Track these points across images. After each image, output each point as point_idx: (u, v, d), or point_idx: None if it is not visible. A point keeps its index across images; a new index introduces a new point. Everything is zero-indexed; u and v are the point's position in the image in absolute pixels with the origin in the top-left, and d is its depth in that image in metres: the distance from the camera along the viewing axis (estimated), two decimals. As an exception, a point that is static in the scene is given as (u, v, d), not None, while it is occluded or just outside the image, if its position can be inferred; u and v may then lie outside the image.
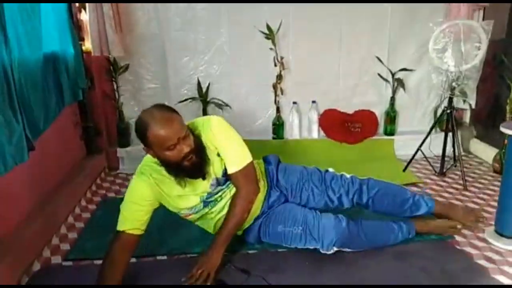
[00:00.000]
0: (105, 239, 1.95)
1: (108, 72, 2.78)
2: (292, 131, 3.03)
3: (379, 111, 3.08)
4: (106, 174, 2.81)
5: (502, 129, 1.77)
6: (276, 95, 2.91)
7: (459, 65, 2.38)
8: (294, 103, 2.97)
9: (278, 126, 2.98)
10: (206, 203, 1.75)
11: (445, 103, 2.55)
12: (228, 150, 1.70)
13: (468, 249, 1.85)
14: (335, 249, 1.75)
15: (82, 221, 2.19)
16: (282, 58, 2.81)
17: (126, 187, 2.52)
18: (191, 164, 1.56)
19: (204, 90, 2.89)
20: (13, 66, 1.68)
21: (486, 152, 2.91)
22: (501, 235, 1.87)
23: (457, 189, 2.48)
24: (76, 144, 2.67)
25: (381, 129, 3.11)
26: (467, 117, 3.13)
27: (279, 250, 1.85)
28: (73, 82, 2.44)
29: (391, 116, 3.02)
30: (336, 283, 1.63)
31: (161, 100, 2.90)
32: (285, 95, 2.97)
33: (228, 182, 1.77)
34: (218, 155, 1.71)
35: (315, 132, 3.04)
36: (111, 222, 2.14)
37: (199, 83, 2.88)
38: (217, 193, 1.75)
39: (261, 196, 1.84)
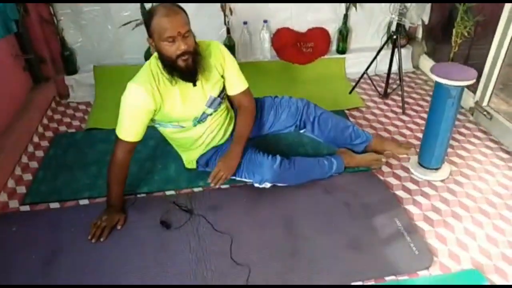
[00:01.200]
0: (60, 180, 2.11)
1: (42, -5, 2.58)
2: (245, 52, 2.99)
3: (333, 29, 3.03)
4: (57, 104, 2.80)
5: (431, 75, 1.83)
6: (225, 15, 2.80)
7: (407, -10, 2.31)
8: (245, 23, 2.87)
9: (229, 47, 2.91)
10: (196, 121, 1.85)
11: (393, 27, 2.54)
12: (235, 72, 1.89)
13: (391, 179, 2.06)
14: (268, 184, 1.92)
15: (36, 160, 2.27)
16: (229, -24, 2.64)
17: (78, 118, 2.64)
18: (185, 65, 1.62)
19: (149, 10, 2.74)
20: None
21: (432, 70, 2.98)
22: (421, 165, 2.07)
23: (396, 112, 2.62)
24: (20, 76, 2.60)
25: (334, 47, 3.10)
26: (420, 32, 3.12)
27: (222, 187, 2.03)
28: (3, 15, 2.29)
29: (343, 34, 2.99)
30: (270, 216, 1.85)
31: (103, 24, 2.80)
32: (236, 15, 2.86)
33: (220, 106, 1.89)
34: (222, 77, 1.85)
35: (267, 53, 3.01)
36: (64, 161, 2.28)
37: (142, 5, 2.71)
38: (209, 114, 1.87)
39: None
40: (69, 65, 2.82)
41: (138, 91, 1.64)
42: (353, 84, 2.85)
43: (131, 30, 2.72)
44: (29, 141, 2.38)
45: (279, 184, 1.95)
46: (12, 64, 2.51)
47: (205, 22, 2.84)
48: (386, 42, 2.62)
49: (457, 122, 2.46)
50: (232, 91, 1.92)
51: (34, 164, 2.24)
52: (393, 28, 2.67)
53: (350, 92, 2.83)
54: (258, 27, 2.92)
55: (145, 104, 1.66)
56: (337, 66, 3.06)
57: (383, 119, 2.56)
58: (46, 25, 2.70)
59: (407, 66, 3.12)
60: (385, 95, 2.77)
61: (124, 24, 2.73)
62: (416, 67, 3.15)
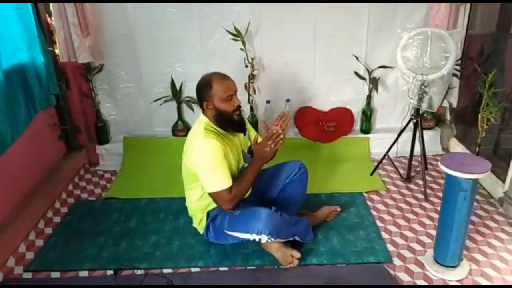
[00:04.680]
0: (68, 248, 2.15)
1: (84, 73, 2.84)
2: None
3: (356, 109, 3.02)
4: (85, 171, 2.96)
5: (441, 166, 1.73)
6: (249, 94, 2.90)
7: (426, 75, 2.28)
8: (268, 102, 2.95)
9: (252, 124, 2.98)
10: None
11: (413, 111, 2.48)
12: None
13: (402, 275, 1.89)
14: (265, 237, 1.87)
15: (51, 226, 2.36)
16: (252, 59, 2.78)
17: (101, 186, 2.75)
18: (239, 118, 1.96)
19: (178, 88, 2.92)
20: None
21: (462, 154, 2.83)
22: (437, 262, 1.89)
23: (418, 199, 2.47)
24: (54, 145, 2.82)
25: (358, 126, 3.07)
26: (448, 115, 3.02)
27: (220, 269, 1.97)
28: (45, 89, 2.53)
29: (367, 114, 2.96)
30: None
31: (136, 100, 3.01)
32: (260, 94, 2.96)
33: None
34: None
35: (290, 131, 3.04)
36: (77, 229, 2.34)
37: (172, 82, 2.90)
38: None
39: None
40: (102, 135, 3.02)
41: (211, 142, 1.86)
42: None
43: (159, 106, 2.89)
44: (51, 206, 2.50)
45: (272, 239, 1.88)
46: (48, 133, 2.73)
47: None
48: (406, 125, 2.54)
49: (484, 214, 2.27)
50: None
51: (48, 230, 2.33)
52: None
53: (372, 174, 2.74)
54: (281, 105, 2.98)
55: (221, 150, 1.88)
56: (360, 146, 3.00)
57: (403, 205, 2.42)
58: (84, 98, 2.95)
59: (436, 148, 2.99)
60: (408, 178, 2.64)
61: (155, 100, 2.92)
62: (446, 150, 3.01)
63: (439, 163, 1.75)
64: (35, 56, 2.43)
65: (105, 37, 2.81)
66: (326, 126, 2.99)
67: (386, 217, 2.32)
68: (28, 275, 2.00)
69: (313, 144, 3.01)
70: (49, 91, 2.56)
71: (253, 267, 1.99)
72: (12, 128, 2.22)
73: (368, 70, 2.85)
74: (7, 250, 2.09)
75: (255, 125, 3.01)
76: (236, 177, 1.97)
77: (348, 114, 3.01)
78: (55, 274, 2.00)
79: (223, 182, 1.87)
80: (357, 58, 2.83)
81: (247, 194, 2.16)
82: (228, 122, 1.95)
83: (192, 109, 2.95)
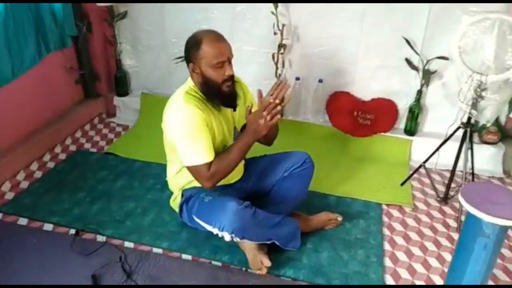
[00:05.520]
0: (45, 198, 2.06)
1: (108, 19, 2.68)
2: (294, 110, 2.68)
3: (403, 104, 2.53)
4: (100, 121, 2.85)
5: (460, 197, 1.30)
6: (276, 67, 2.55)
7: (485, 75, 1.76)
8: (297, 78, 2.58)
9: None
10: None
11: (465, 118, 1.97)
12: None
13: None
14: (228, 236, 1.60)
15: (43, 171, 2.28)
16: (284, 25, 2.39)
17: (108, 140, 2.62)
18: (228, 90, 1.63)
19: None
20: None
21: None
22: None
23: (448, 227, 2.00)
24: (70, 88, 2.72)
25: (401, 125, 2.58)
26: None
27: (183, 257, 1.74)
28: (60, 29, 2.42)
29: (414, 113, 2.46)
30: None
31: (159, 54, 2.80)
32: (290, 68, 2.59)
33: None
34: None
35: (319, 116, 2.65)
36: (64, 179, 2.24)
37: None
38: None
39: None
40: (121, 87, 2.87)
41: (190, 107, 1.59)
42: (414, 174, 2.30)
43: (179, 64, 2.65)
44: (50, 150, 2.43)
45: (237, 239, 1.62)
46: (63, 76, 2.64)
47: (256, 70, 2.63)
48: (452, 134, 2.04)
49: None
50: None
51: (38, 175, 2.26)
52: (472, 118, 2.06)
53: (402, 184, 2.28)
54: (312, 85, 2.59)
55: (202, 118, 1.60)
56: (399, 148, 2.52)
57: (427, 231, 1.96)
58: (108, 45, 2.81)
59: (496, 169, 2.42)
60: (444, 198, 2.15)
61: (177, 58, 2.67)
62: (507, 173, 2.42)
63: (459, 193, 1.31)
64: (52, -4, 2.30)
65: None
66: (362, 117, 2.55)
67: (400, 241, 1.91)
68: (-2, 215, 1.94)
69: (342, 135, 2.59)
70: (65, 31, 2.45)
71: (219, 263, 1.74)
72: (14, 63, 2.14)
73: (422, 60, 2.34)
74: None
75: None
76: (220, 152, 1.68)
77: (391, 108, 2.53)
78: (22, 221, 1.92)
79: (202, 155, 1.59)
80: (408, 42, 2.30)
81: (235, 179, 1.88)
82: (215, 93, 1.64)
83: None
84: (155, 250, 1.79)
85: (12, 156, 2.20)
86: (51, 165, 2.35)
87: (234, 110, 1.75)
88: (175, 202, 1.88)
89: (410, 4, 2.27)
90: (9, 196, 2.08)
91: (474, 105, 1.86)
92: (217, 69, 1.58)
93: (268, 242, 1.71)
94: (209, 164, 1.60)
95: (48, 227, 1.89)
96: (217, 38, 1.60)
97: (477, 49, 1.73)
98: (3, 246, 1.74)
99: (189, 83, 1.70)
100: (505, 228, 1.23)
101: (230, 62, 1.62)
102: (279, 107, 1.53)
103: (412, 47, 2.31)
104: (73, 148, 2.54)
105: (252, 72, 2.63)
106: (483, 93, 1.81)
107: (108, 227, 1.89)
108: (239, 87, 1.77)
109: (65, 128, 2.58)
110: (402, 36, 2.32)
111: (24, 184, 2.17)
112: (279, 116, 1.55)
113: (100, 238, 1.83)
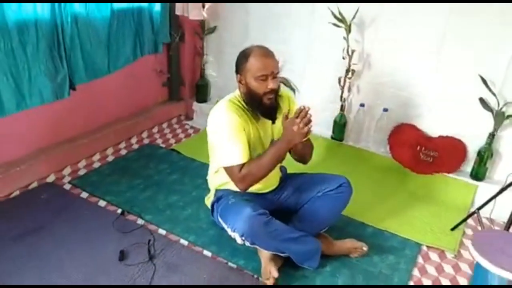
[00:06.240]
0: (108, 179, 2.35)
1: (199, 31, 2.97)
2: (356, 136, 2.64)
3: (474, 147, 2.32)
4: (178, 121, 3.15)
5: (470, 246, 1.18)
6: (342, 91, 2.54)
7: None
8: (362, 105, 2.54)
9: (339, 125, 2.63)
10: None
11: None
12: None
13: None
14: (239, 239, 1.69)
15: (115, 156, 2.61)
16: (353, 51, 2.40)
17: (178, 139, 2.90)
18: (269, 103, 1.73)
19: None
20: (65, 23, 2.10)
21: None
22: None
23: (493, 285, 1.77)
24: (156, 89, 3.07)
25: (469, 168, 2.36)
26: None
27: (204, 253, 1.85)
28: (156, 36, 2.77)
29: (483, 157, 2.24)
30: None
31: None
32: (357, 94, 2.57)
33: None
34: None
35: (380, 146, 2.57)
36: (130, 167, 2.52)
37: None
38: None
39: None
40: (201, 94, 3.14)
41: (230, 114, 1.70)
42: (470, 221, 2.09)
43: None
44: (126, 139, 2.77)
45: (247, 243, 1.67)
46: (152, 77, 2.99)
47: (324, 93, 2.67)
48: (510, 185, 1.81)
49: None
50: None
51: (110, 158, 2.58)
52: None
53: (453, 229, 2.09)
54: (377, 114, 2.53)
55: (240, 125, 1.70)
56: (461, 192, 2.31)
57: (463, 281, 1.77)
58: (196, 56, 3.10)
59: None
60: (498, 255, 1.91)
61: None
62: None
63: (470, 248, 1.19)
64: (153, 5, 2.65)
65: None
66: (424, 153, 2.40)
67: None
68: (67, 186, 2.26)
69: (401, 169, 2.47)
70: (160, 38, 2.79)
71: (234, 265, 1.80)
72: (111, 60, 2.50)
73: (499, 101, 2.13)
74: (70, 160, 2.42)
75: (342, 126, 2.64)
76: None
77: (459, 149, 2.34)
78: (84, 195, 2.21)
79: (236, 156, 1.68)
80: (484, 81, 2.13)
81: (268, 189, 1.93)
82: (257, 104, 1.73)
83: (292, 88, 2.74)
84: (182, 241, 1.93)
85: (93, 138, 2.55)
86: (123, 152, 2.67)
87: (273, 122, 1.81)
88: (208, 200, 2.00)
89: (492, 41, 2.11)
90: (82, 172, 2.41)
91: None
92: (260, 82, 1.68)
93: (282, 255, 1.72)
94: (242, 166, 1.69)
95: (102, 203, 2.15)
96: (265, 53, 1.70)
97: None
98: (63, 213, 2.03)
99: (236, 93, 1.82)
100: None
101: (274, 77, 1.69)
102: (310, 115, 1.60)
103: (488, 87, 2.13)
104: (146, 141, 2.84)
105: (318, 93, 2.68)
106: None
107: (149, 213, 2.08)
108: (285, 101, 1.85)
109: (144, 122, 2.91)
110: (479, 74, 2.15)
111: (96, 165, 2.50)
112: (311, 124, 1.61)
113: (140, 221, 2.03)
